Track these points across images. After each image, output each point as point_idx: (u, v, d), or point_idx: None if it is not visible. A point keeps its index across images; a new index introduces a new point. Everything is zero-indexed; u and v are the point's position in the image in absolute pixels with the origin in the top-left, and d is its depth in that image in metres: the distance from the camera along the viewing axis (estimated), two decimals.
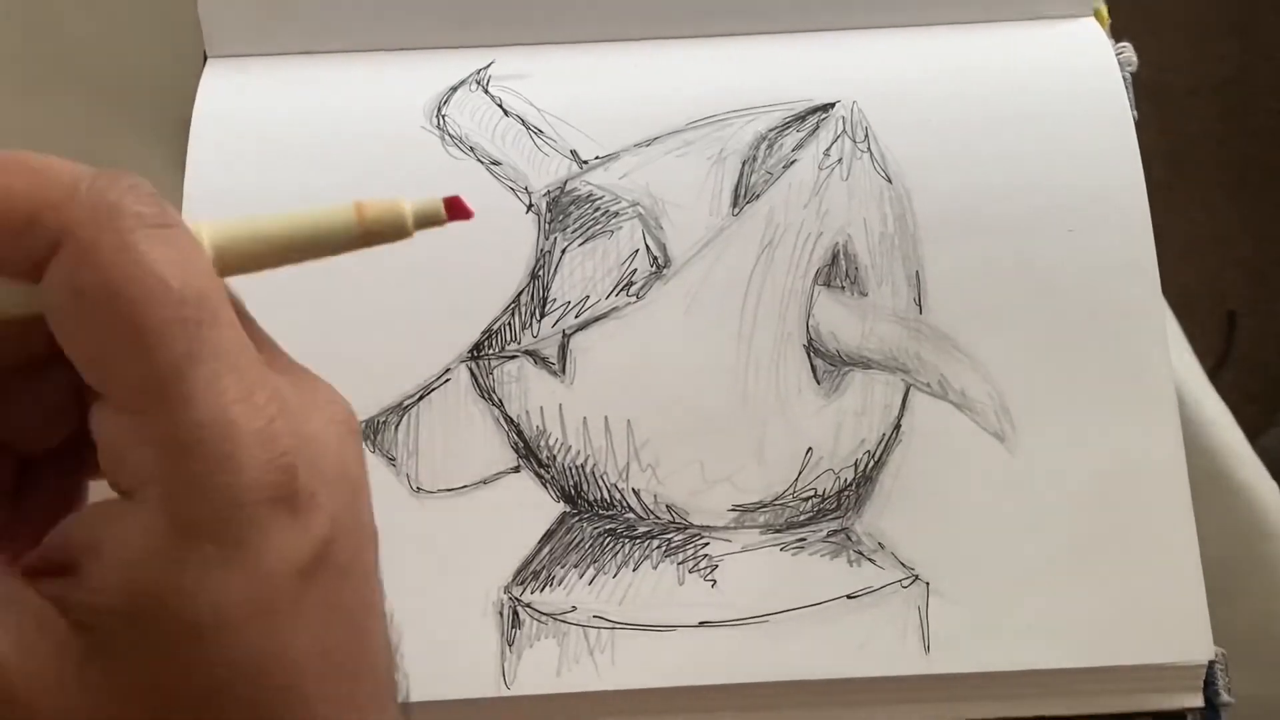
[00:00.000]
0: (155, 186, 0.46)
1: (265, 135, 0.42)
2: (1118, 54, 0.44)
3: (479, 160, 0.42)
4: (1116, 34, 0.46)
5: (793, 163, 0.42)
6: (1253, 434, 0.48)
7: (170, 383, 0.22)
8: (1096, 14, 0.45)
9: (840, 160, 0.42)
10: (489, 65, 0.43)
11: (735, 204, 0.42)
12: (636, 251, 0.41)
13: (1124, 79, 0.43)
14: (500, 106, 0.43)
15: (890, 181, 0.42)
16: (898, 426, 0.40)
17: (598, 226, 0.41)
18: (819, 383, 0.40)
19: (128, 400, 0.22)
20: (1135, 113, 0.43)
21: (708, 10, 0.44)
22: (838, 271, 0.41)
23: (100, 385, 0.23)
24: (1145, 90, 0.44)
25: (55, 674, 0.22)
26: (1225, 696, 0.38)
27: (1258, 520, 0.45)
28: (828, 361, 0.40)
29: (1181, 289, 0.51)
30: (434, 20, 0.44)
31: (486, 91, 0.43)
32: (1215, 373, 0.46)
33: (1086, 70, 0.43)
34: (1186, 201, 1.23)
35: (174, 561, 0.22)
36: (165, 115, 0.47)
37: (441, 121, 0.42)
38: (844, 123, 0.42)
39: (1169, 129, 1.22)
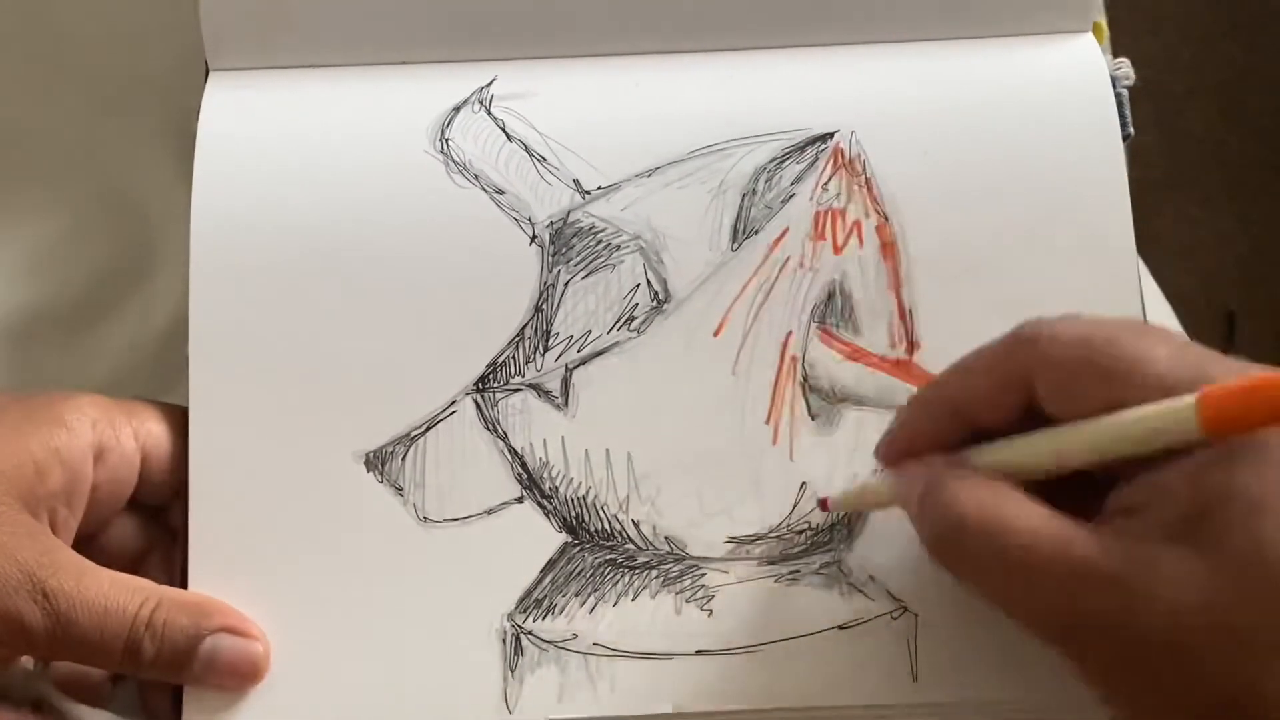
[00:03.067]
0: (161, 196, 0.47)
1: (271, 157, 0.43)
2: (1115, 70, 0.44)
3: (483, 189, 0.43)
4: (1116, 34, 0.46)
5: (791, 196, 0.43)
6: None
7: None
8: (1095, 28, 0.45)
9: (838, 195, 0.43)
10: (491, 83, 0.44)
11: (734, 239, 0.42)
12: (638, 286, 0.42)
13: (1120, 96, 0.43)
14: (503, 130, 0.43)
15: (886, 219, 0.42)
16: None
17: (600, 260, 0.42)
18: (814, 419, 0.41)
19: None
20: (1132, 129, 0.43)
21: (708, 25, 0.44)
22: (833, 309, 0.42)
23: None
24: (1145, 90, 0.45)
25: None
26: None
27: None
28: (822, 398, 0.41)
29: (1181, 289, 0.51)
30: (435, 35, 0.44)
31: (489, 113, 0.43)
32: None
33: (1080, 100, 0.43)
34: (1185, 201, 1.23)
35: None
36: (169, 122, 0.47)
37: (445, 146, 0.43)
38: (842, 155, 0.43)
39: (1169, 129, 1.22)
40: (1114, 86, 0.44)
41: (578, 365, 0.41)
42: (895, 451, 0.37)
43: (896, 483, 0.37)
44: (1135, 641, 0.31)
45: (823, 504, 0.40)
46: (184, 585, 0.40)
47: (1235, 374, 0.31)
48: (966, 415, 0.35)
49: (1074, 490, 0.33)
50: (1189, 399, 0.31)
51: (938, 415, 0.36)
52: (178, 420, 0.41)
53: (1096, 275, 0.42)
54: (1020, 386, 0.34)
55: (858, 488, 0.40)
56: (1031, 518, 0.32)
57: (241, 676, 0.39)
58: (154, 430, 0.40)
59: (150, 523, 0.41)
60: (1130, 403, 0.32)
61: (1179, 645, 0.31)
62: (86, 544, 0.39)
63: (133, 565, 0.40)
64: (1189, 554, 0.31)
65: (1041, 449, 0.34)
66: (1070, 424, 0.33)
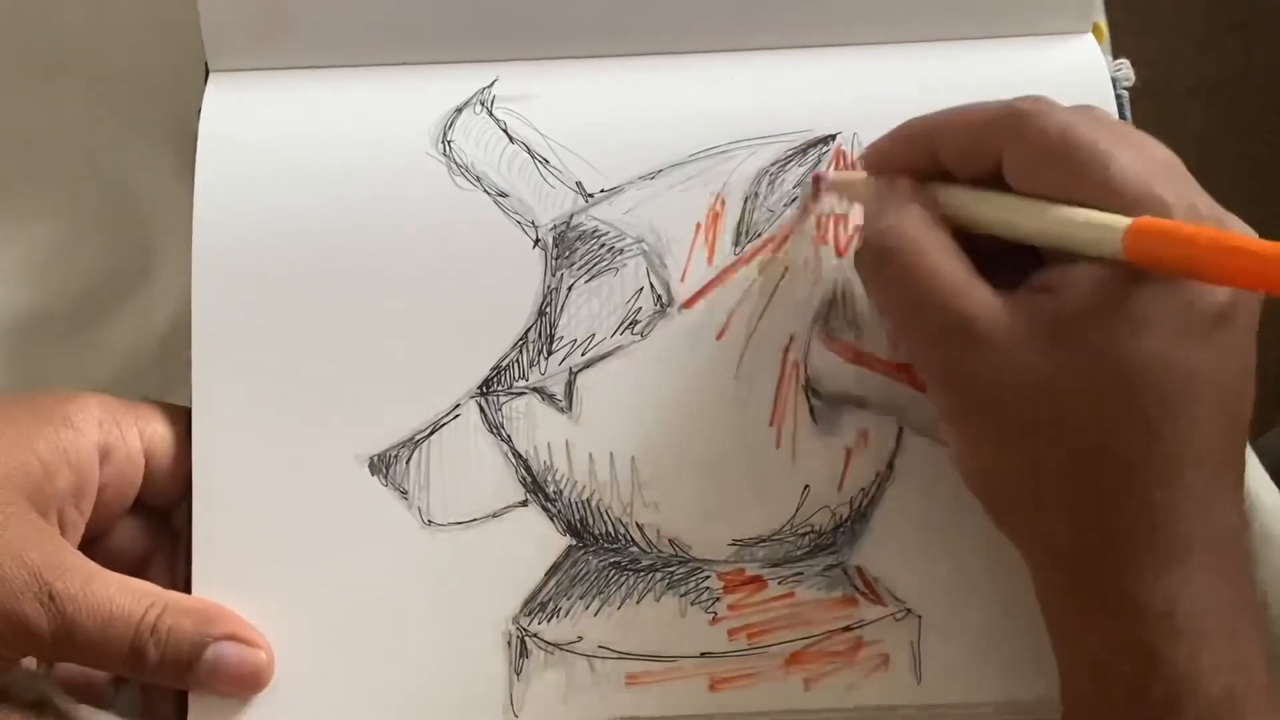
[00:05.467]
0: (162, 197, 0.47)
1: (272, 160, 0.43)
2: (1115, 70, 0.44)
3: (486, 191, 0.43)
4: (1117, 34, 0.46)
5: (794, 200, 0.43)
6: (1253, 435, 0.49)
7: None
8: (1095, 29, 0.45)
9: (840, 199, 0.43)
10: (493, 84, 0.44)
11: (737, 242, 0.42)
12: (641, 289, 0.42)
13: (1120, 97, 0.44)
14: (505, 132, 0.43)
15: None
16: (891, 466, 0.41)
17: (603, 263, 0.42)
18: (816, 422, 0.41)
19: None
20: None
21: (710, 27, 0.44)
22: (835, 312, 0.42)
23: None
24: (1145, 90, 0.45)
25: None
26: None
27: (1258, 525, 0.46)
28: (824, 402, 0.41)
29: None
30: (437, 36, 0.44)
31: (491, 114, 0.43)
32: None
33: (1080, 101, 0.43)
34: None
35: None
36: (169, 123, 0.47)
37: (448, 148, 0.43)
38: (845, 158, 0.43)
39: (1169, 129, 1.22)
40: (1114, 87, 0.44)
41: (581, 369, 0.42)
42: (874, 161, 0.40)
43: (870, 185, 0.39)
44: (996, 404, 0.34)
45: (816, 179, 0.42)
46: (188, 588, 0.40)
47: (1189, 211, 0.34)
48: (938, 157, 0.38)
49: (1025, 264, 0.36)
50: (1123, 222, 0.33)
51: (918, 146, 0.38)
52: (182, 421, 0.41)
53: None
54: (992, 154, 0.36)
55: (854, 177, 0.41)
56: (946, 264, 0.35)
57: (244, 685, 0.39)
58: (159, 431, 0.40)
59: (155, 525, 0.41)
60: (1080, 201, 0.34)
61: (1032, 418, 0.34)
62: (92, 546, 0.39)
63: (137, 568, 0.40)
64: (1067, 348, 0.34)
65: (995, 209, 0.36)
66: (1023, 198, 0.36)
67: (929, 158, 0.38)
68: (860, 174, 0.40)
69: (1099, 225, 0.34)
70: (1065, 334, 0.34)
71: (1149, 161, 0.35)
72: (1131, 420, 0.33)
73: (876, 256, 0.37)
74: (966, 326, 0.35)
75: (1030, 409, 0.34)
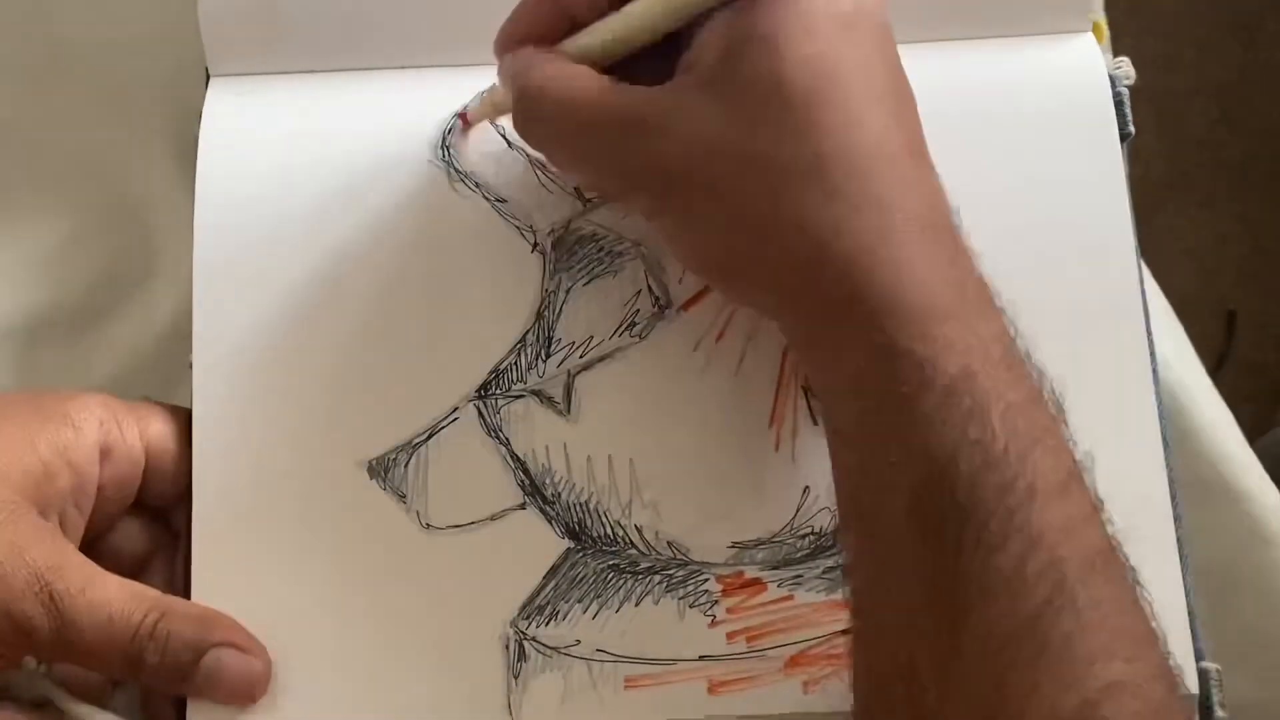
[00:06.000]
0: (162, 199, 0.47)
1: (273, 164, 0.43)
2: (1115, 69, 0.44)
3: (485, 197, 0.43)
4: (1116, 34, 0.46)
5: None
6: (1252, 435, 0.49)
7: None
8: (1095, 28, 0.45)
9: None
10: (491, 88, 0.44)
11: None
12: (639, 292, 0.42)
13: (1120, 95, 0.43)
14: (504, 138, 0.43)
15: None
16: None
17: (601, 266, 0.42)
18: (816, 423, 0.41)
19: None
20: (1132, 128, 0.43)
21: None
22: None
23: None
24: (1145, 90, 0.45)
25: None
26: (1219, 712, 0.39)
27: (1257, 525, 0.46)
28: None
29: (1181, 289, 0.51)
30: (436, 40, 0.44)
31: (490, 120, 0.44)
32: (1215, 373, 0.47)
33: (1079, 100, 0.43)
34: (1185, 202, 1.23)
35: None
36: (170, 125, 0.47)
37: (447, 154, 0.43)
38: None
39: (1169, 129, 1.22)
40: (1114, 86, 0.44)
41: (580, 371, 0.41)
42: (506, 42, 0.39)
43: (501, 69, 0.39)
44: (672, 175, 0.35)
45: (463, 118, 0.42)
46: (186, 589, 0.40)
47: None
48: (565, 7, 0.38)
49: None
50: None
51: (542, 8, 0.38)
52: (182, 422, 0.41)
53: (1097, 275, 0.42)
54: None
55: (487, 94, 0.42)
56: (590, 89, 0.36)
57: (241, 693, 0.39)
58: (159, 431, 0.40)
59: (154, 526, 0.41)
60: None
61: (702, 173, 0.35)
62: (91, 546, 0.39)
63: (136, 568, 0.40)
64: (712, 94, 0.34)
65: (612, 28, 0.37)
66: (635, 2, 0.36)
67: (554, 14, 0.38)
68: (490, 86, 0.41)
69: None
70: (720, 82, 0.34)
71: None
72: (801, 134, 0.34)
73: (525, 112, 0.37)
74: (637, 115, 0.35)
75: (718, 163, 0.34)
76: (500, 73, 0.39)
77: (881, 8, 0.36)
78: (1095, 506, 0.33)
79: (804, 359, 0.37)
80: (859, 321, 0.33)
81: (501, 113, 0.42)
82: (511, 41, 0.39)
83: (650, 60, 0.37)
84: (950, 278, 0.34)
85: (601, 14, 0.37)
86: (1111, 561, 0.33)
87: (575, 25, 0.38)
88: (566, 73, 0.37)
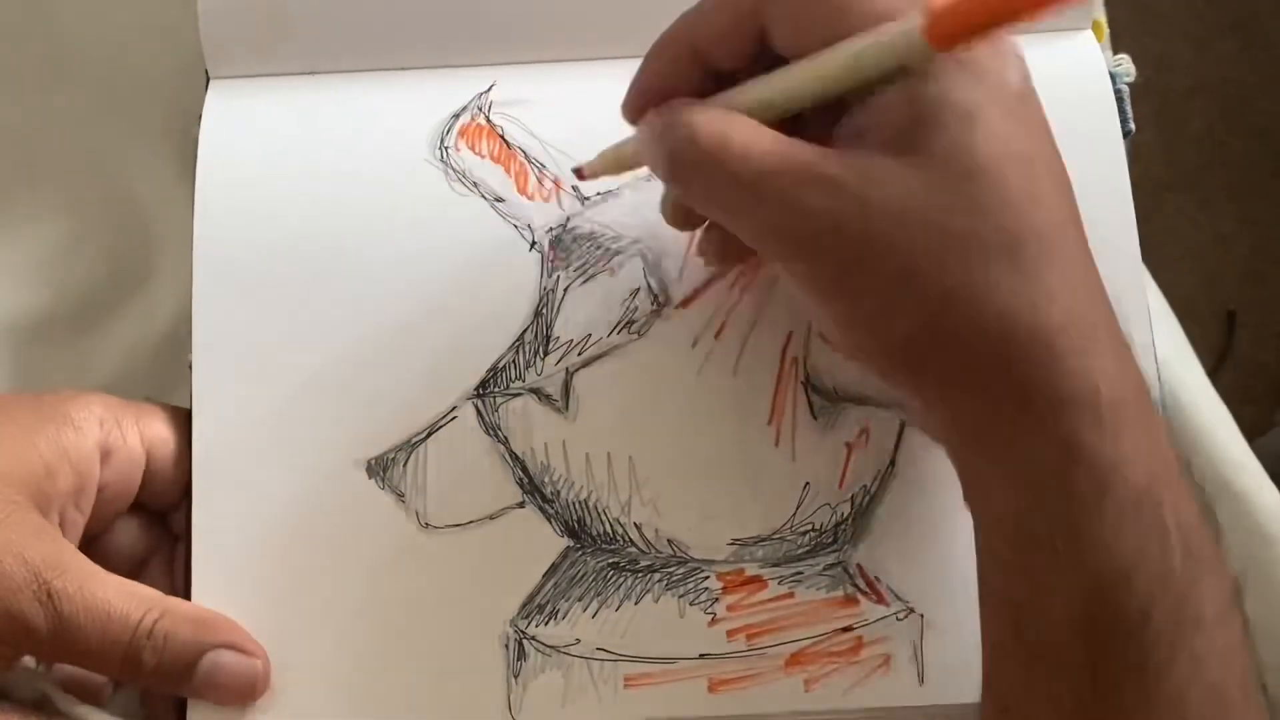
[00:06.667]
0: (162, 199, 0.47)
1: (272, 165, 0.43)
2: (1115, 66, 0.44)
3: (483, 196, 0.43)
4: (1116, 34, 0.46)
5: None
6: (1252, 435, 0.49)
7: None
8: (1095, 26, 0.45)
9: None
10: (490, 89, 0.44)
11: None
12: (638, 290, 0.42)
13: (1120, 92, 0.43)
14: (502, 138, 0.43)
15: None
16: (893, 462, 0.41)
17: (599, 265, 0.42)
18: (816, 419, 0.41)
19: None
20: (1133, 125, 0.43)
21: None
22: None
23: None
24: (1145, 90, 0.45)
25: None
26: None
27: (1257, 525, 0.45)
28: (824, 398, 0.41)
29: (1181, 289, 0.51)
30: (433, 42, 0.44)
31: (488, 120, 0.44)
32: (1215, 373, 0.47)
33: (1079, 98, 0.43)
34: (1185, 201, 1.23)
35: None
36: (169, 125, 0.47)
37: (445, 155, 0.43)
38: None
39: (1169, 129, 1.22)
40: (1114, 83, 0.44)
41: (578, 369, 0.41)
42: (639, 101, 0.36)
43: (641, 130, 0.36)
44: (856, 241, 0.32)
45: (579, 172, 0.40)
46: (186, 589, 0.40)
47: None
48: (704, 57, 0.35)
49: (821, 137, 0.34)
50: (914, 15, 0.32)
51: (676, 58, 0.35)
52: (182, 422, 0.41)
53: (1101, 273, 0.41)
54: (751, 21, 0.34)
55: (613, 150, 0.39)
56: (760, 135, 0.33)
57: (239, 694, 0.39)
58: (159, 431, 0.40)
59: (153, 526, 0.41)
60: (856, 32, 0.33)
61: (895, 244, 0.32)
62: (91, 546, 0.39)
63: (136, 568, 0.40)
64: (905, 161, 0.32)
65: (775, 87, 0.34)
66: (801, 61, 0.34)
67: (691, 67, 0.35)
68: (619, 141, 0.38)
69: (894, 33, 0.32)
70: (913, 150, 0.32)
71: None
72: (1000, 210, 0.32)
73: (692, 162, 0.34)
74: (823, 171, 0.32)
75: (910, 232, 0.32)
76: (644, 129, 0.36)
77: (1032, 81, 0.35)
78: (1246, 629, 0.33)
79: (966, 447, 0.34)
80: (1042, 411, 0.32)
81: (627, 168, 0.39)
82: (648, 98, 0.36)
83: (789, 125, 0.34)
84: (1132, 377, 0.33)
85: (747, 66, 0.35)
86: (1257, 686, 0.33)
87: (719, 80, 0.35)
88: (726, 119, 0.34)
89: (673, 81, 0.35)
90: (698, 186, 0.34)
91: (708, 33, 0.35)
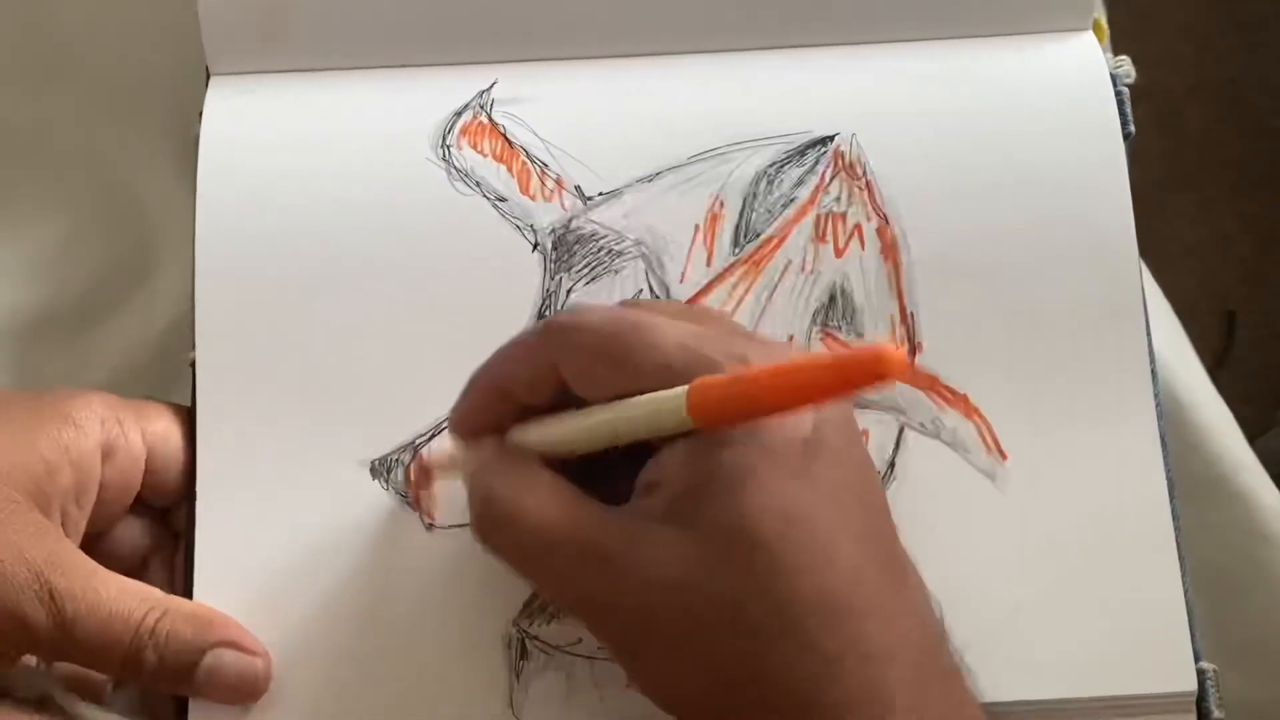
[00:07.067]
0: (162, 197, 0.47)
1: (273, 163, 0.43)
2: (1116, 67, 0.44)
3: (485, 196, 0.43)
4: (1116, 34, 0.46)
5: (792, 200, 0.43)
6: (1252, 435, 0.49)
7: None
8: (1095, 26, 0.45)
9: (838, 198, 0.43)
10: (491, 87, 0.44)
11: (736, 243, 0.42)
12: (640, 291, 0.42)
13: (1120, 94, 0.43)
14: (504, 137, 0.43)
15: (887, 222, 0.42)
16: (892, 465, 0.41)
17: (602, 266, 0.42)
18: None
19: None
20: (1132, 127, 0.43)
21: (707, 27, 0.44)
22: (835, 312, 0.42)
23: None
24: (1145, 90, 0.45)
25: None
26: (1216, 712, 0.39)
27: (1258, 526, 0.46)
28: None
29: (1181, 289, 0.51)
30: (435, 38, 0.44)
31: (490, 118, 0.44)
32: (1215, 373, 0.47)
33: (1080, 99, 0.43)
34: (1186, 201, 1.23)
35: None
36: (170, 123, 0.47)
37: (446, 153, 0.43)
38: (843, 158, 0.43)
39: (1169, 129, 1.22)
40: (1115, 84, 0.44)
41: None
42: (461, 429, 0.38)
43: (459, 456, 0.38)
44: (633, 612, 0.33)
45: (419, 461, 0.41)
46: (187, 589, 0.40)
47: (741, 364, 0.32)
48: (513, 397, 0.36)
49: (634, 464, 0.35)
50: (680, 390, 0.32)
51: (489, 398, 0.37)
52: (184, 421, 0.41)
53: (1098, 275, 0.42)
54: (551, 373, 0.35)
55: (449, 454, 0.40)
56: (548, 506, 0.34)
57: (241, 693, 0.39)
58: (161, 430, 0.40)
59: (154, 525, 0.41)
60: (639, 390, 0.33)
61: (670, 616, 0.32)
62: (92, 545, 0.39)
63: (136, 567, 0.40)
64: (675, 531, 0.32)
65: (569, 429, 0.35)
66: (591, 408, 0.35)
67: (508, 402, 0.36)
68: (451, 453, 0.39)
69: (659, 402, 0.33)
70: (683, 519, 0.32)
71: (692, 329, 0.34)
72: (769, 577, 0.32)
73: (484, 521, 0.36)
74: (598, 545, 0.33)
75: (684, 607, 0.32)
76: (458, 458, 0.38)
77: (846, 410, 0.35)
78: None
79: None
80: None
81: (457, 477, 0.39)
82: (468, 430, 0.37)
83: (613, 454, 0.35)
84: None
85: (552, 403, 0.36)
86: None
87: (528, 410, 0.36)
88: (530, 484, 0.35)
89: (487, 416, 0.37)
90: (493, 544, 0.36)
91: (514, 379, 0.36)
